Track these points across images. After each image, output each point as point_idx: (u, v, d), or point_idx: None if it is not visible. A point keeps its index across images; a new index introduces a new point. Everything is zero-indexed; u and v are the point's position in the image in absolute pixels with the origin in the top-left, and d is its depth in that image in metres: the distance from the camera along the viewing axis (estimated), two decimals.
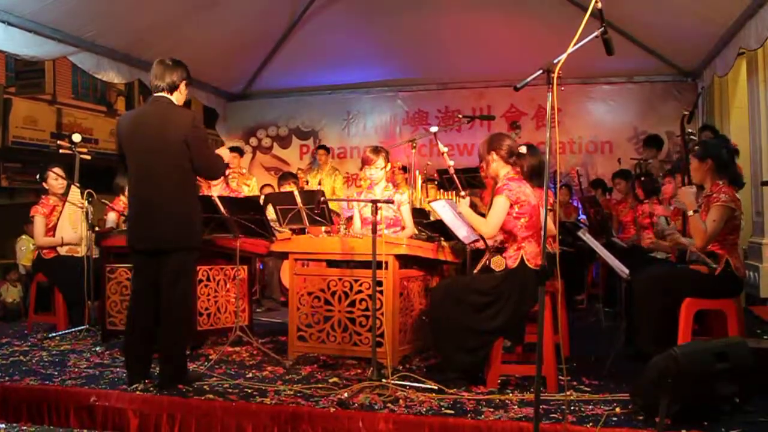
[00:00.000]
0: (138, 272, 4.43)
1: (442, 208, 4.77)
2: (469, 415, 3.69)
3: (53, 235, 6.55)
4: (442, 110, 10.38)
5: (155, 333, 4.38)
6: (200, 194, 5.87)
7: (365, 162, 5.45)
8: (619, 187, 7.74)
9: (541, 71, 3.18)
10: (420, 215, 6.19)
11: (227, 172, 6.34)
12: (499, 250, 4.47)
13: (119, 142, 4.40)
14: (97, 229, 6.47)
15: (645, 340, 4.34)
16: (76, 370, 4.84)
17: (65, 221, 6.55)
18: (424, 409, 3.80)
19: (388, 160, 5.47)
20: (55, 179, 6.60)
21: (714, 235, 4.24)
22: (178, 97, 4.38)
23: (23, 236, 8.77)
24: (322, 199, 5.04)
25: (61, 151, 6.49)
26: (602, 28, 3.26)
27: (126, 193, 5.34)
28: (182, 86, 4.39)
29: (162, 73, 4.35)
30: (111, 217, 6.96)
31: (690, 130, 6.55)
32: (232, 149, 9.23)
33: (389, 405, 3.88)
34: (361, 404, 3.89)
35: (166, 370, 4.29)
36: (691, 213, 4.31)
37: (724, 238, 4.32)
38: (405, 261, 5.02)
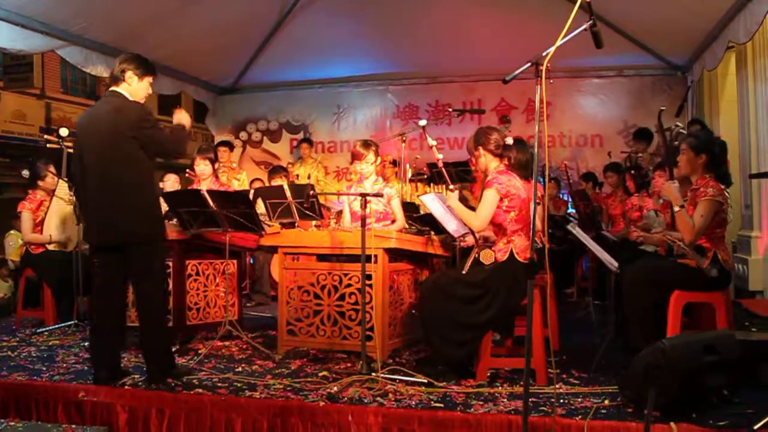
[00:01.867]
0: (101, 268, 4.32)
1: (431, 202, 4.77)
2: (458, 408, 3.70)
3: (41, 230, 6.53)
4: (433, 104, 10.37)
5: (122, 329, 4.38)
6: (190, 188, 5.87)
7: (355, 156, 5.43)
8: (611, 180, 7.75)
9: (529, 64, 3.17)
10: (410, 209, 6.18)
11: (217, 165, 6.30)
12: (487, 243, 4.48)
13: (75, 141, 4.31)
14: None
15: (634, 332, 4.34)
16: (65, 365, 4.83)
17: (53, 216, 6.53)
18: (414, 403, 3.80)
19: (377, 154, 5.46)
20: (51, 178, 6.58)
21: (702, 229, 4.24)
22: (128, 89, 4.25)
23: (12, 231, 8.72)
24: (311, 193, 5.03)
25: (48, 145, 6.46)
26: (591, 21, 3.25)
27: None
28: (129, 76, 4.24)
29: (113, 67, 4.31)
30: None
31: (679, 124, 6.58)
32: (222, 143, 9.23)
33: (379, 398, 3.88)
34: (350, 398, 3.89)
35: (152, 368, 4.27)
36: (677, 209, 4.31)
37: (712, 232, 4.32)
38: (395, 254, 5.01)
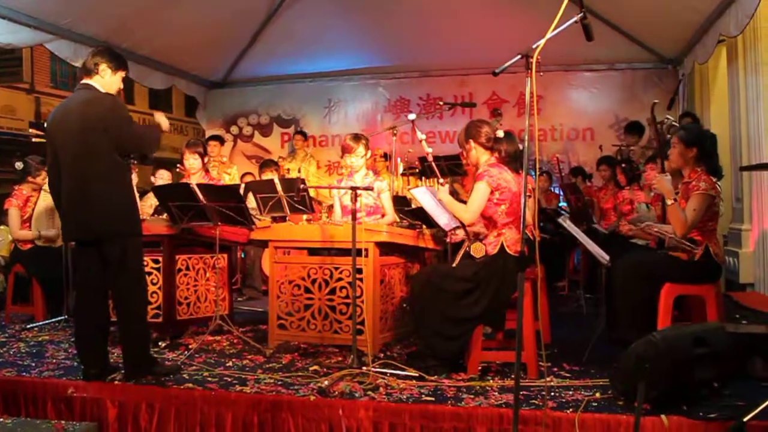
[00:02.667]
0: (80, 264, 4.30)
1: (422, 195, 4.75)
2: (449, 401, 3.69)
3: (29, 226, 6.49)
4: (424, 98, 10.35)
5: (106, 325, 4.34)
6: (179, 182, 5.84)
7: (345, 150, 5.42)
8: (604, 174, 7.74)
9: (519, 56, 3.16)
10: (401, 203, 6.17)
11: (207, 159, 6.27)
12: (478, 237, 4.47)
13: (47, 135, 4.24)
14: None
15: (625, 325, 4.34)
16: (54, 361, 4.80)
17: (41, 210, 6.49)
18: (405, 397, 3.79)
19: (368, 147, 5.45)
20: (44, 178, 6.53)
21: (694, 223, 4.25)
22: (101, 82, 4.18)
23: (0, 227, 8.67)
24: (302, 186, 5.01)
25: (34, 139, 6.41)
26: (581, 14, 3.24)
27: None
28: (103, 69, 4.18)
29: (85, 59, 4.26)
30: None
31: (670, 117, 6.58)
32: (213, 138, 9.20)
33: (370, 393, 3.87)
34: (341, 392, 3.88)
35: (127, 365, 4.22)
36: (669, 202, 4.31)
37: (703, 225, 4.33)
38: (385, 248, 5.00)
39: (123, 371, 4.26)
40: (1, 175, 13.03)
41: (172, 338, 5.36)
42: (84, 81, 4.21)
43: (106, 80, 4.21)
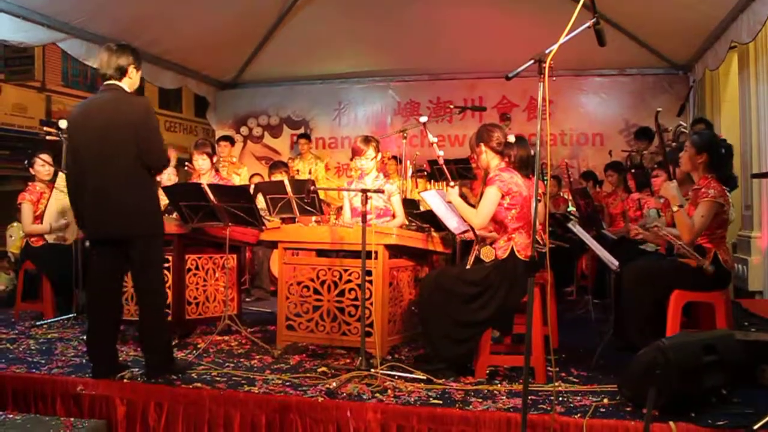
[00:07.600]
0: (97, 260, 4.30)
1: (432, 198, 4.76)
2: (457, 405, 3.69)
3: (41, 223, 6.52)
4: (434, 101, 10.36)
5: (118, 323, 4.38)
6: (190, 182, 5.86)
7: (355, 152, 5.42)
8: (611, 179, 7.74)
9: (532, 61, 3.16)
10: (410, 205, 6.17)
11: (216, 159, 6.29)
12: (485, 241, 4.48)
13: (69, 134, 4.27)
14: None
15: (633, 331, 4.34)
16: (64, 358, 4.82)
17: (53, 208, 6.52)
18: (413, 399, 3.80)
19: (378, 150, 5.44)
20: (41, 165, 6.56)
21: (701, 229, 4.23)
22: (128, 83, 4.23)
23: (13, 224, 8.71)
24: (312, 188, 5.03)
25: (48, 137, 6.44)
26: (594, 19, 3.25)
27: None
28: (131, 71, 4.22)
29: (108, 60, 4.21)
30: None
31: (683, 123, 6.57)
32: (223, 138, 9.22)
33: (377, 395, 3.87)
34: (349, 394, 3.89)
35: (150, 361, 4.26)
36: (675, 208, 4.30)
37: (712, 232, 4.31)
38: (395, 251, 5.01)
39: (138, 369, 4.29)
40: (11, 172, 13.07)
41: (181, 338, 5.37)
42: (112, 82, 4.21)
43: (134, 80, 4.28)
